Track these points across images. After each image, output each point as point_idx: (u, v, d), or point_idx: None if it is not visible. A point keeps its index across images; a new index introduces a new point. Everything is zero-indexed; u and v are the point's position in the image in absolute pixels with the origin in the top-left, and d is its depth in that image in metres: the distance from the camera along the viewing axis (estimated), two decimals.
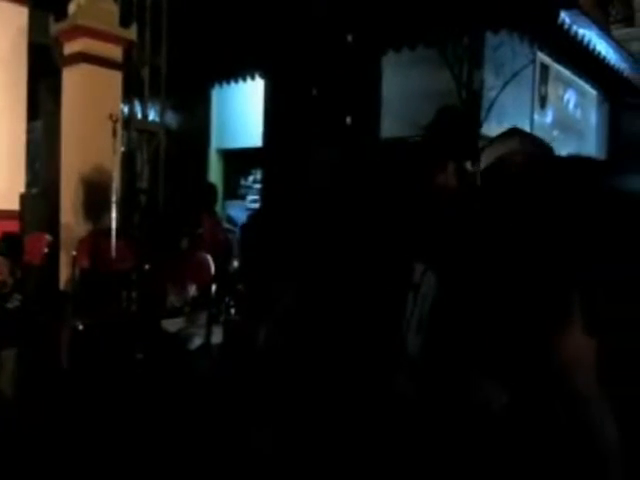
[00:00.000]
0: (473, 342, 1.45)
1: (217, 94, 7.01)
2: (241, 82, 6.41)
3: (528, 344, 1.34)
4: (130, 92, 4.59)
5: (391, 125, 4.84)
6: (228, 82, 6.57)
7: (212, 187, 4.70)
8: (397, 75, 5.31)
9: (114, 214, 3.13)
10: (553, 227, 1.42)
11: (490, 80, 5.31)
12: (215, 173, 7.16)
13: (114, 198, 3.16)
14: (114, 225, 3.12)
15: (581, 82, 7.42)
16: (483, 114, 5.22)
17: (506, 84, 5.37)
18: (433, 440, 1.48)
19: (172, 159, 5.45)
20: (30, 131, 4.71)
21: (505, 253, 1.49)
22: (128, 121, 4.54)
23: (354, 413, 1.75)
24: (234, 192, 7.01)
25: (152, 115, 5.01)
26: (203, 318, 2.90)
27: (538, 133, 5.84)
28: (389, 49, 5.13)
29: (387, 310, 1.81)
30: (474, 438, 1.36)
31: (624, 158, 8.57)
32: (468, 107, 5.14)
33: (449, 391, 1.49)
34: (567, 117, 7.06)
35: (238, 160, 7.01)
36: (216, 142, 7.22)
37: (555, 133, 6.64)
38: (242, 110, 6.56)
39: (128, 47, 4.37)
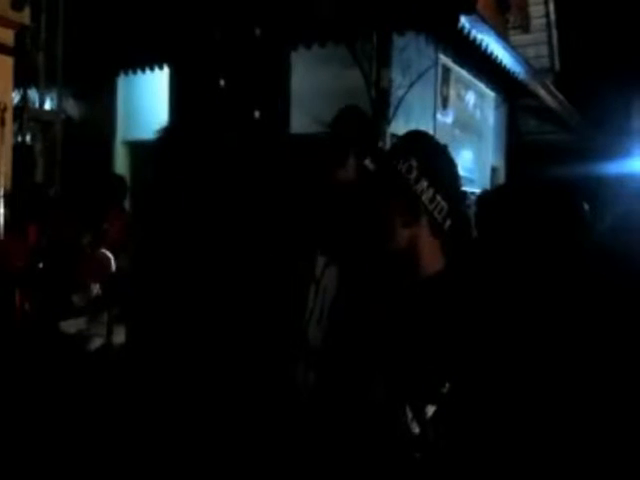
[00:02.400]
0: (372, 337, 1.48)
1: (124, 83, 6.72)
2: (149, 71, 6.18)
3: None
4: (24, 79, 4.30)
5: (301, 121, 4.88)
6: (134, 71, 6.31)
7: (120, 180, 4.50)
8: (308, 72, 5.36)
9: (2, 209, 2.94)
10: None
11: (398, 79, 5.49)
12: (122, 166, 6.87)
13: (1, 192, 2.96)
14: (2, 221, 2.93)
15: (480, 84, 7.85)
16: (391, 112, 5.39)
17: (412, 84, 5.58)
18: (328, 434, 1.51)
19: (73, 150, 5.17)
20: None
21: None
22: (21, 110, 4.26)
23: (253, 405, 1.76)
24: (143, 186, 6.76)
25: (51, 104, 4.73)
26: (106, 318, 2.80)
27: (440, 132, 6.12)
28: (299, 45, 5.17)
29: (289, 303, 1.84)
30: (370, 433, 1.38)
31: (519, 156, 9.17)
32: (377, 105, 5.29)
33: (348, 384, 1.52)
34: (467, 117, 7.45)
35: (147, 152, 6.76)
36: (122, 133, 6.93)
37: (456, 132, 6.98)
38: (151, 100, 6.32)
39: (20, 31, 4.09)
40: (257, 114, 4.42)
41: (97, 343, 2.64)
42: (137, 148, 6.78)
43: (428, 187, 1.34)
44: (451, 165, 1.41)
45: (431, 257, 1.36)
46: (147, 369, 2.00)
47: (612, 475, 1.44)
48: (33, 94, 4.56)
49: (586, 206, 1.87)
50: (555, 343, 1.43)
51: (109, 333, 2.53)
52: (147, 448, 1.84)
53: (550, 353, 1.44)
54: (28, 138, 4.35)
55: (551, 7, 10.82)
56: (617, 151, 8.77)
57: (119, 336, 2.65)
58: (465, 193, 5.97)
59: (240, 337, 1.89)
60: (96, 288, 3.39)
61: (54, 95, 4.61)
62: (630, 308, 1.56)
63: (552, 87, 8.65)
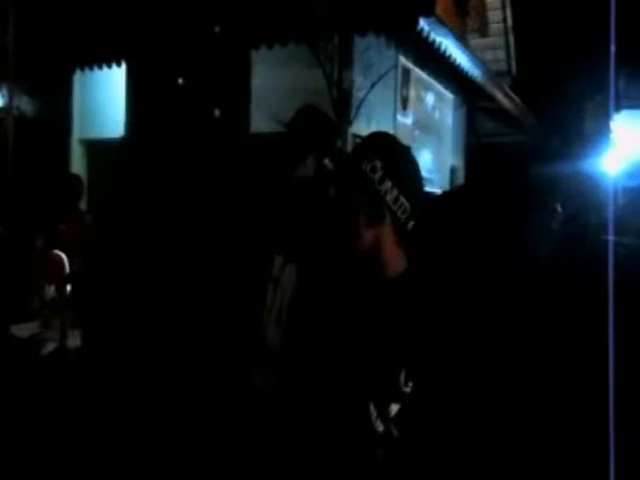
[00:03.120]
0: (333, 337, 1.48)
1: (81, 80, 6.54)
2: (106, 68, 6.03)
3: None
4: None
5: (262, 121, 4.86)
6: (91, 67, 6.15)
7: (76, 180, 4.39)
8: (269, 71, 5.34)
9: None
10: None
11: (359, 80, 5.52)
12: (79, 165, 6.69)
13: None
14: None
15: (440, 86, 7.98)
16: (353, 113, 5.41)
17: (373, 85, 5.62)
18: (290, 433, 1.51)
19: (27, 149, 5.00)
20: None
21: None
22: None
23: (213, 404, 1.74)
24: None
25: (2, 101, 4.57)
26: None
27: (401, 133, 6.20)
28: (261, 44, 5.14)
29: (247, 302, 1.83)
30: (334, 431, 1.38)
31: (477, 156, 9.36)
32: (339, 106, 5.31)
33: (308, 383, 1.52)
34: (427, 118, 7.56)
35: (106, 152, 6.60)
36: (79, 132, 6.74)
37: (416, 133, 7.08)
38: (109, 98, 6.17)
39: None
40: (217, 113, 4.37)
41: (50, 347, 2.56)
42: (95, 147, 6.63)
43: (392, 187, 1.35)
44: (414, 166, 1.43)
45: (393, 258, 1.38)
46: (105, 371, 1.96)
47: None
48: None
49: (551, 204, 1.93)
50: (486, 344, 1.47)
51: (63, 337, 2.46)
52: (104, 448, 1.80)
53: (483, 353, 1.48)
54: None
55: (508, 12, 11.08)
56: (570, 153, 9.06)
57: (74, 340, 2.59)
58: (427, 194, 6.06)
59: (199, 337, 1.87)
60: (51, 291, 3.29)
61: (5, 92, 4.46)
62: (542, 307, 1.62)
63: (509, 90, 8.85)
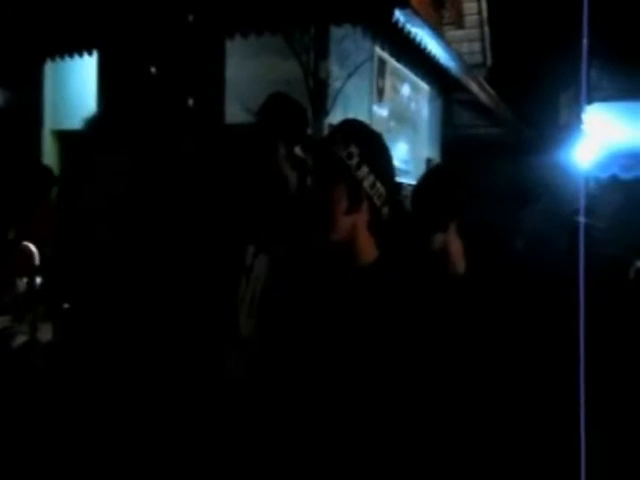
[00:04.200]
0: (301, 328, 1.48)
1: (52, 69, 6.41)
2: (78, 57, 5.91)
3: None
4: None
5: (237, 111, 4.82)
6: (62, 57, 6.02)
7: (46, 171, 4.32)
8: (244, 61, 5.29)
9: None
10: None
11: (335, 71, 5.51)
12: (50, 156, 6.57)
13: None
14: None
15: (415, 78, 8.00)
16: (329, 104, 5.41)
17: (350, 76, 5.62)
18: (262, 423, 1.51)
19: None
20: None
21: None
22: None
23: (187, 394, 1.74)
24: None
25: None
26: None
27: (376, 123, 6.21)
28: (235, 33, 5.09)
29: (219, 292, 1.82)
30: (306, 420, 1.39)
31: (453, 148, 9.44)
32: (315, 96, 5.29)
33: (279, 373, 1.52)
34: (402, 109, 7.58)
35: (78, 142, 6.48)
36: (51, 122, 6.61)
37: (392, 124, 7.10)
38: (81, 87, 6.06)
39: None
40: (190, 102, 4.32)
41: (21, 340, 2.52)
42: (67, 138, 6.50)
43: (369, 173, 1.34)
44: (387, 153, 1.43)
45: (368, 245, 1.37)
46: (79, 363, 1.94)
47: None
48: None
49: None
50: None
51: (33, 330, 2.42)
52: (78, 442, 1.79)
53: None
54: None
55: (483, 5, 11.17)
56: (545, 144, 9.18)
57: (44, 333, 2.55)
58: (400, 184, 6.09)
59: (171, 328, 1.86)
60: (22, 284, 3.23)
61: None
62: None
63: (484, 82, 8.93)
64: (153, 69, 4.24)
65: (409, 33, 5.66)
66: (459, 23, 11.00)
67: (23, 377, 2.25)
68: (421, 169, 8.37)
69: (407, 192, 6.13)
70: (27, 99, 6.35)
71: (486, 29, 11.26)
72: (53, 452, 1.89)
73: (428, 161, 8.88)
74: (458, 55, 7.71)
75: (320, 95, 5.35)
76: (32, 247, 2.57)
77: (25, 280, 3.14)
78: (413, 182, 6.72)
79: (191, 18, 4.23)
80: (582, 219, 2.29)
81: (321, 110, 5.33)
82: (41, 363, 2.40)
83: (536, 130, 11.05)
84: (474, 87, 8.44)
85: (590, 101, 7.10)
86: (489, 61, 11.38)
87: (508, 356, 1.59)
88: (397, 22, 5.31)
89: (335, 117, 5.39)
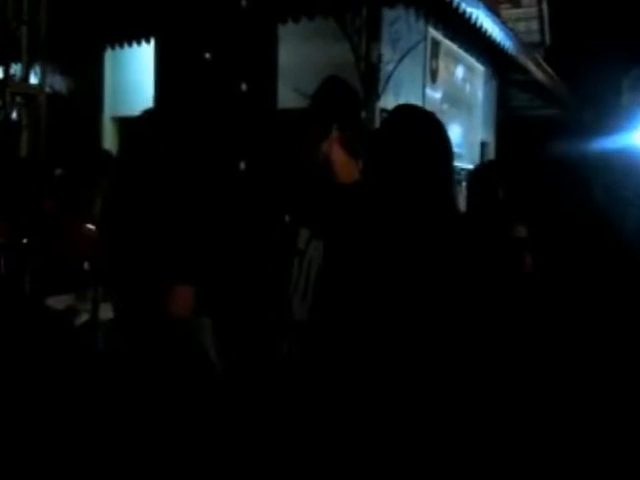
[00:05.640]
0: (357, 311, 1.49)
1: (111, 57, 6.62)
2: (136, 46, 6.07)
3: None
4: (7, 53, 4.22)
5: (289, 96, 4.83)
6: (121, 45, 6.20)
7: (107, 156, 4.48)
8: (296, 45, 5.29)
9: None
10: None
11: (387, 54, 5.43)
12: (110, 142, 6.80)
13: None
14: None
15: (470, 59, 7.77)
16: (381, 87, 5.34)
17: (402, 58, 5.53)
18: (317, 407, 1.53)
19: (60, 126, 5.10)
20: None
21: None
22: (3, 84, 4.17)
23: (243, 378, 1.78)
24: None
25: (36, 78, 4.64)
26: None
27: (429, 106, 6.08)
28: (287, 18, 5.09)
29: (273, 277, 1.84)
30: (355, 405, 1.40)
31: (508, 131, 9.15)
32: (367, 80, 5.24)
33: (334, 357, 1.54)
34: (456, 91, 7.39)
35: (135, 128, 6.65)
36: (111, 109, 6.84)
37: (445, 107, 6.94)
38: (140, 74, 6.23)
39: (1, 3, 4.00)
40: (244, 87, 4.37)
41: (84, 318, 2.64)
42: (125, 124, 6.70)
43: None
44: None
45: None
46: (136, 344, 2.00)
47: None
48: (17, 68, 4.47)
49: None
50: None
51: (95, 309, 2.53)
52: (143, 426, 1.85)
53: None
54: (15, 114, 4.29)
55: None
56: (607, 126, 8.78)
57: (105, 312, 2.66)
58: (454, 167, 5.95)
59: (224, 312, 1.89)
60: (85, 264, 3.38)
61: (38, 70, 4.53)
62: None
63: (542, 62, 8.59)
64: (208, 55, 4.30)
65: (464, 12, 5.49)
66: (516, 1, 10.59)
67: (84, 355, 2.36)
68: (476, 153, 8.17)
69: (461, 176, 6.01)
70: (88, 86, 6.57)
71: (544, 7, 10.79)
72: (111, 427, 1.96)
73: (483, 145, 8.65)
74: (515, 34, 7.44)
75: (372, 79, 5.28)
76: (93, 229, 2.68)
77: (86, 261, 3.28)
78: (467, 166, 6.57)
79: (244, 3, 4.25)
80: None
81: (373, 94, 5.27)
82: (101, 341, 2.50)
83: (596, 111, 10.57)
84: (531, 67, 8.13)
85: None
86: (547, 40, 10.92)
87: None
88: (452, 1, 5.16)
89: (387, 101, 5.32)
